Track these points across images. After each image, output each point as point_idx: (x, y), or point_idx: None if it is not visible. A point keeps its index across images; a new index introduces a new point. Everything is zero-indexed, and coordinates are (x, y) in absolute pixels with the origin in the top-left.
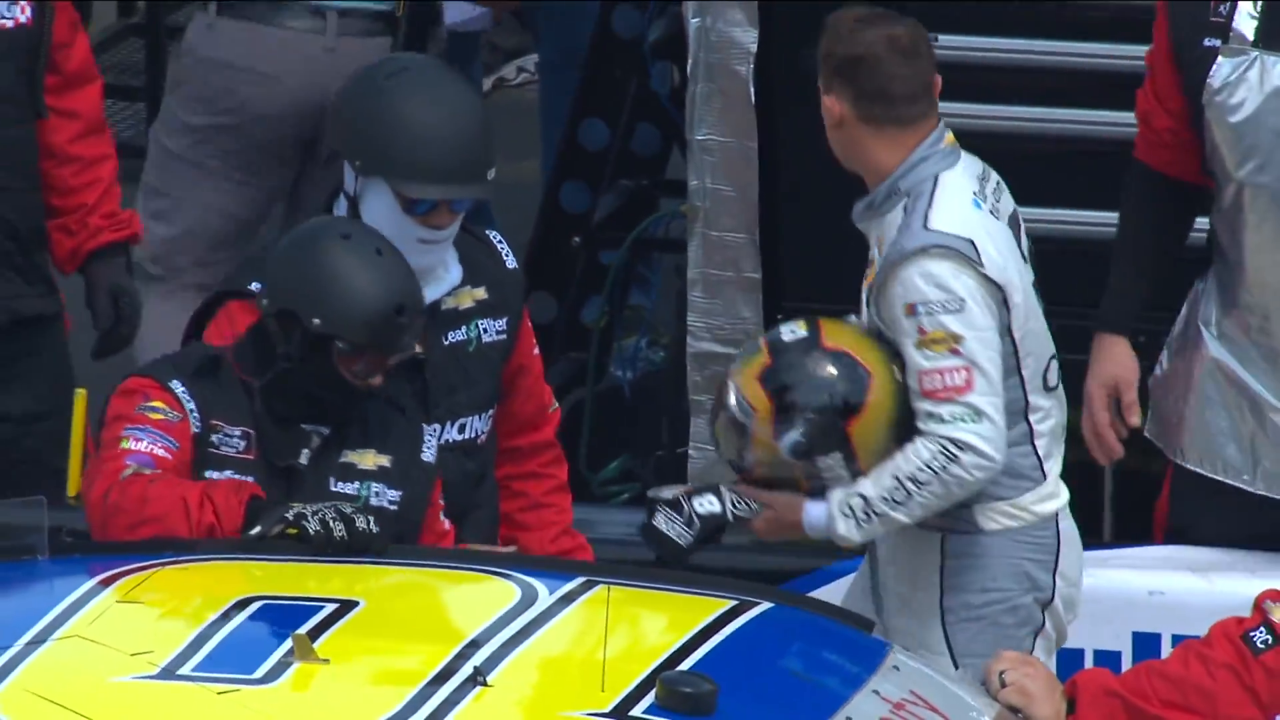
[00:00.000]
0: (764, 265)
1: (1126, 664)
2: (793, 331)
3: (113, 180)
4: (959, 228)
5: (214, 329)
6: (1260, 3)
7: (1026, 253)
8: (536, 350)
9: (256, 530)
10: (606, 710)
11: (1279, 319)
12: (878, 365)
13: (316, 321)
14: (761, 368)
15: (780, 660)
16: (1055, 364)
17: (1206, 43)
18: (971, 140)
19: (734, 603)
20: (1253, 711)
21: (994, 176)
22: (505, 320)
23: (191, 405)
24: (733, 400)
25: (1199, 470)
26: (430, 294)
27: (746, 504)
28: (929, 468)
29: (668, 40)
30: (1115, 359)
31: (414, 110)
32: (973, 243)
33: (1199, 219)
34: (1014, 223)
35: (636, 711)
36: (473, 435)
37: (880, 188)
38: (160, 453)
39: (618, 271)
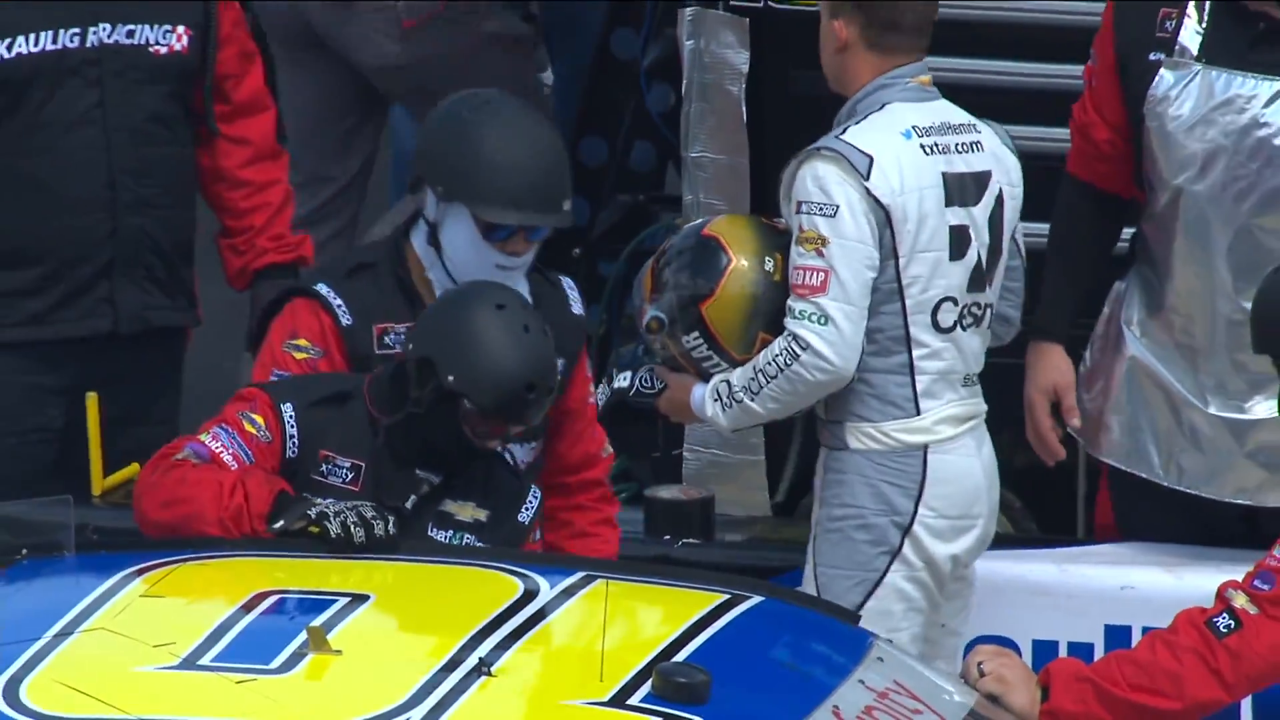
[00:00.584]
0: None
1: (1099, 655)
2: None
3: (282, 204)
4: (865, 144)
5: (278, 324)
6: (1205, 19)
7: (989, 217)
8: (591, 399)
9: (279, 525)
10: (605, 699)
11: (1201, 321)
12: (747, 256)
13: (451, 378)
14: (660, 251)
15: (770, 651)
16: (953, 308)
17: (1152, 56)
18: None
19: (726, 597)
20: (1218, 693)
21: (975, 135)
22: (561, 363)
23: (293, 431)
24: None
25: (1118, 465)
26: None
27: (654, 383)
28: (774, 362)
29: (663, 62)
30: (1052, 365)
31: (496, 141)
32: (870, 159)
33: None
34: (975, 181)
35: (634, 700)
36: (515, 462)
37: (844, 108)
38: (227, 458)
39: (616, 282)
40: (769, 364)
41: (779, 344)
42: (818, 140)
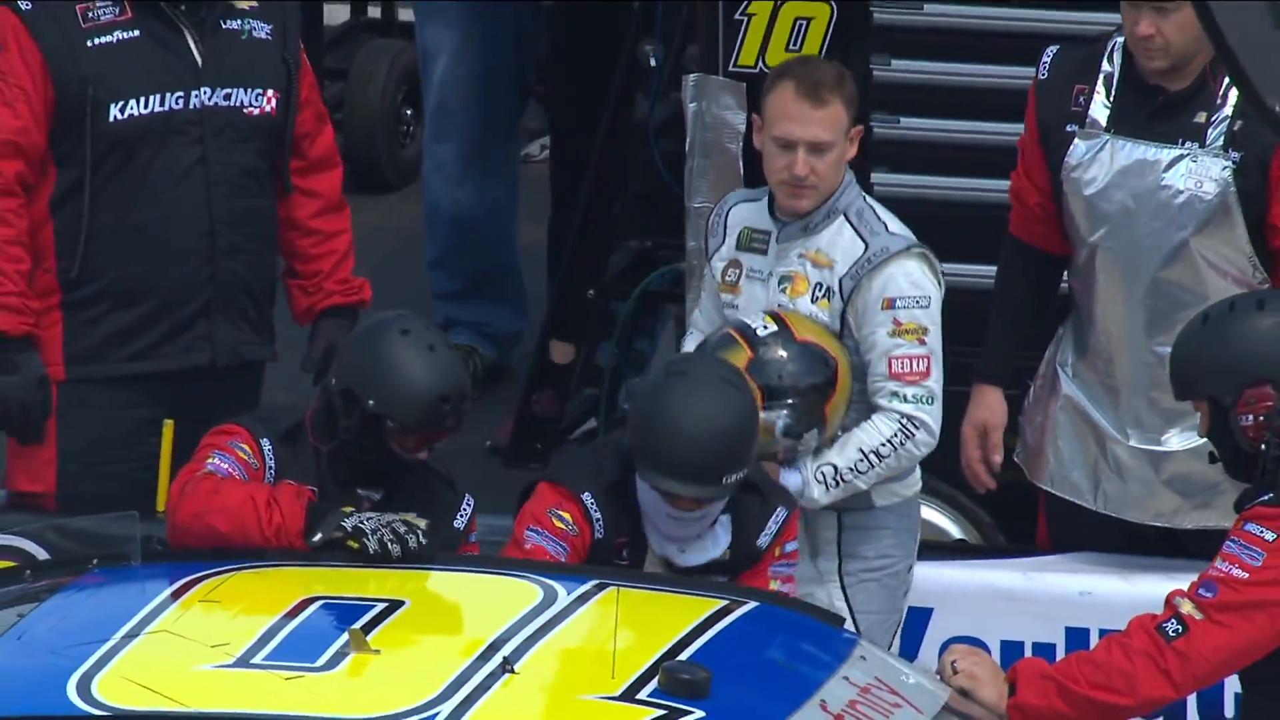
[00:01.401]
0: None
1: (1061, 654)
2: (765, 327)
3: (347, 252)
4: (909, 233)
5: (550, 494)
6: (1112, 95)
7: None
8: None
9: (318, 537)
10: (616, 694)
11: (1120, 362)
12: (839, 352)
13: (371, 403)
14: (746, 361)
15: (764, 651)
16: None
17: (1068, 128)
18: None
19: (725, 602)
20: (1167, 691)
21: None
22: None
23: (271, 462)
24: None
25: (1051, 490)
26: (692, 559)
27: None
28: (890, 442)
29: (669, 122)
30: (987, 405)
31: (672, 416)
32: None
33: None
34: None
35: (642, 696)
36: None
37: (819, 209)
38: (238, 476)
39: (626, 320)
40: (882, 445)
41: (887, 426)
42: (864, 246)
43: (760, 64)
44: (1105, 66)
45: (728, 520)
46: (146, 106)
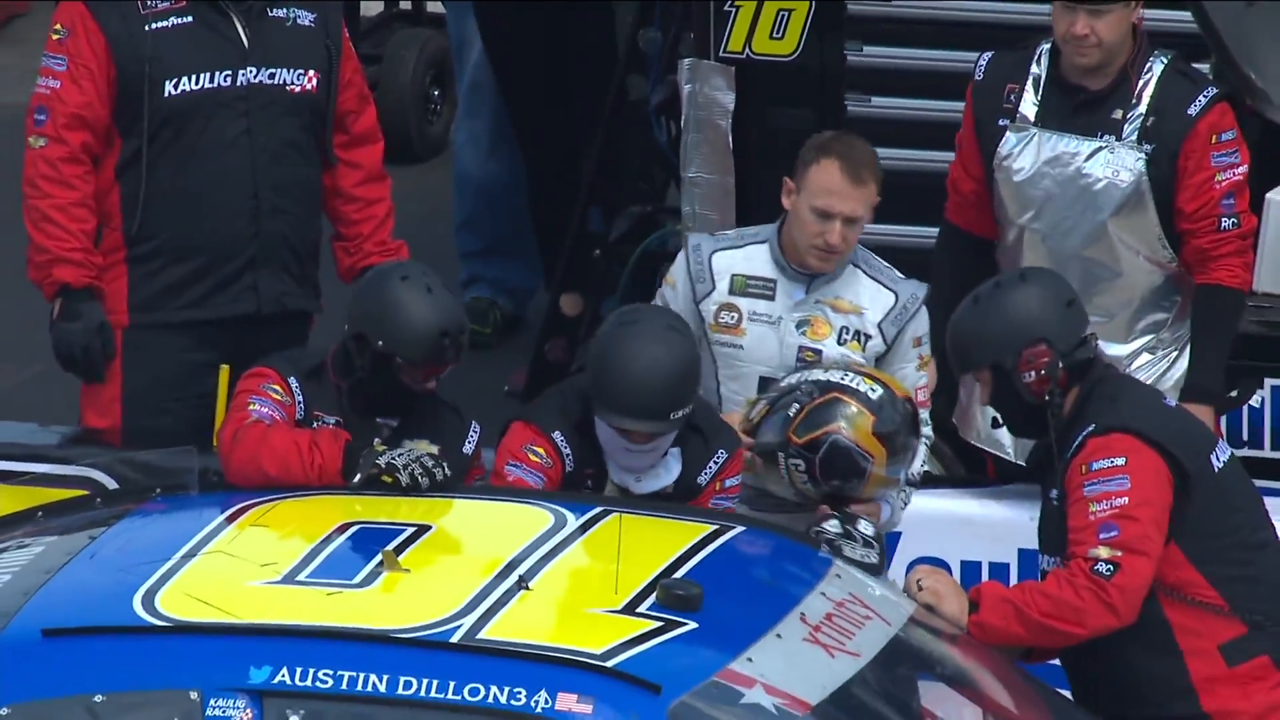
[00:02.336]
0: None
1: (1014, 573)
2: (872, 390)
3: (385, 217)
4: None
5: (521, 433)
6: (1040, 93)
7: None
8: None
9: (358, 478)
10: (619, 608)
11: None
12: (907, 392)
13: (380, 343)
14: (871, 424)
15: (750, 570)
16: None
17: (1000, 122)
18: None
19: (715, 527)
20: (1112, 621)
21: None
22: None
23: (300, 397)
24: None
25: (980, 446)
26: (647, 486)
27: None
28: (924, 464)
29: (667, 102)
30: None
31: (626, 359)
32: None
33: None
34: None
35: (642, 609)
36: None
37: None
38: (279, 417)
39: (628, 276)
40: (922, 466)
41: (923, 452)
42: (894, 293)
43: (747, 50)
44: (1034, 69)
45: (678, 452)
46: (197, 83)
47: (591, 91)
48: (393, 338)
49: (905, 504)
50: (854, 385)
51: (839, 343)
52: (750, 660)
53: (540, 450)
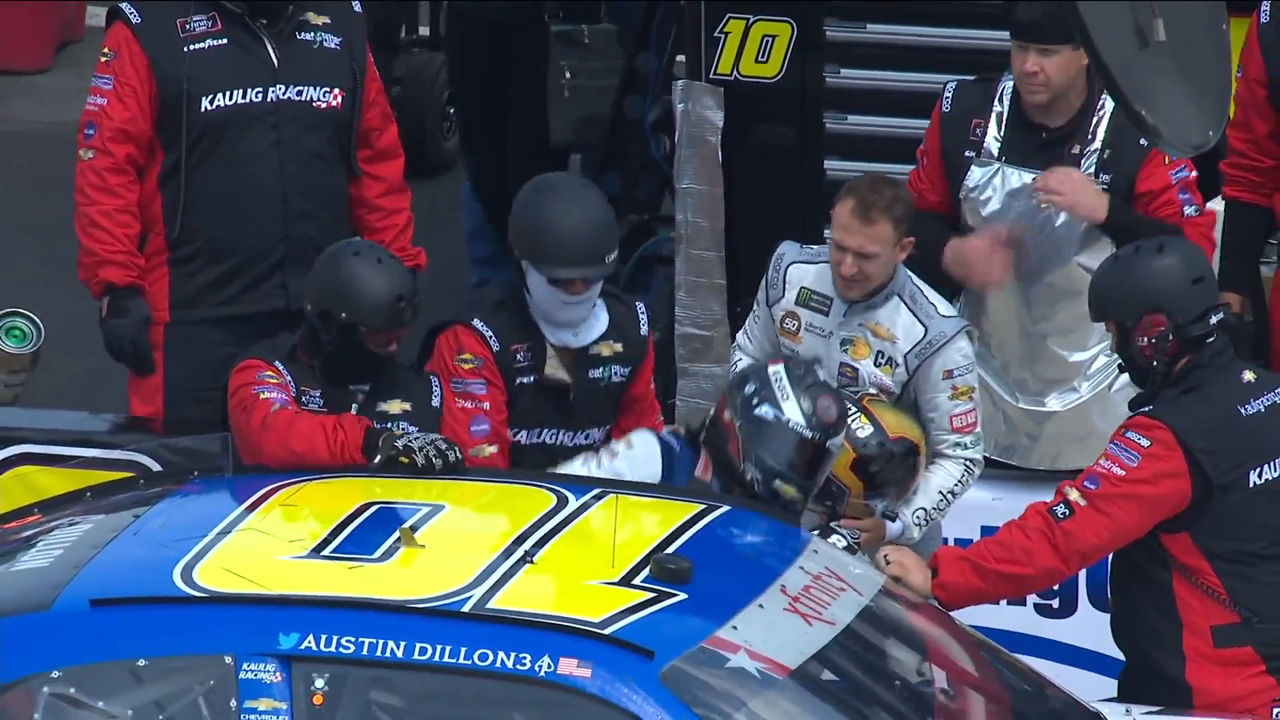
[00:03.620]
0: (727, 274)
1: None
2: (862, 428)
3: (406, 225)
4: (954, 312)
5: (446, 345)
6: (1002, 130)
7: None
8: (651, 384)
9: (378, 459)
10: (616, 580)
11: (1010, 343)
12: (919, 437)
13: (343, 315)
14: (851, 460)
15: (736, 546)
16: None
17: (966, 154)
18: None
19: (703, 506)
20: (1058, 563)
21: None
22: (630, 368)
23: (288, 378)
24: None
25: None
26: (585, 337)
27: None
28: (960, 481)
29: (662, 118)
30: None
31: (556, 217)
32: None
33: None
34: None
35: (636, 581)
36: (592, 441)
37: (881, 293)
38: (285, 401)
39: (627, 278)
40: (956, 485)
41: (957, 469)
42: (923, 326)
43: (735, 72)
44: (996, 106)
45: (604, 304)
46: (230, 99)
47: (522, 115)
48: (353, 308)
49: (926, 522)
50: (849, 421)
51: (875, 364)
52: (735, 628)
53: (468, 355)
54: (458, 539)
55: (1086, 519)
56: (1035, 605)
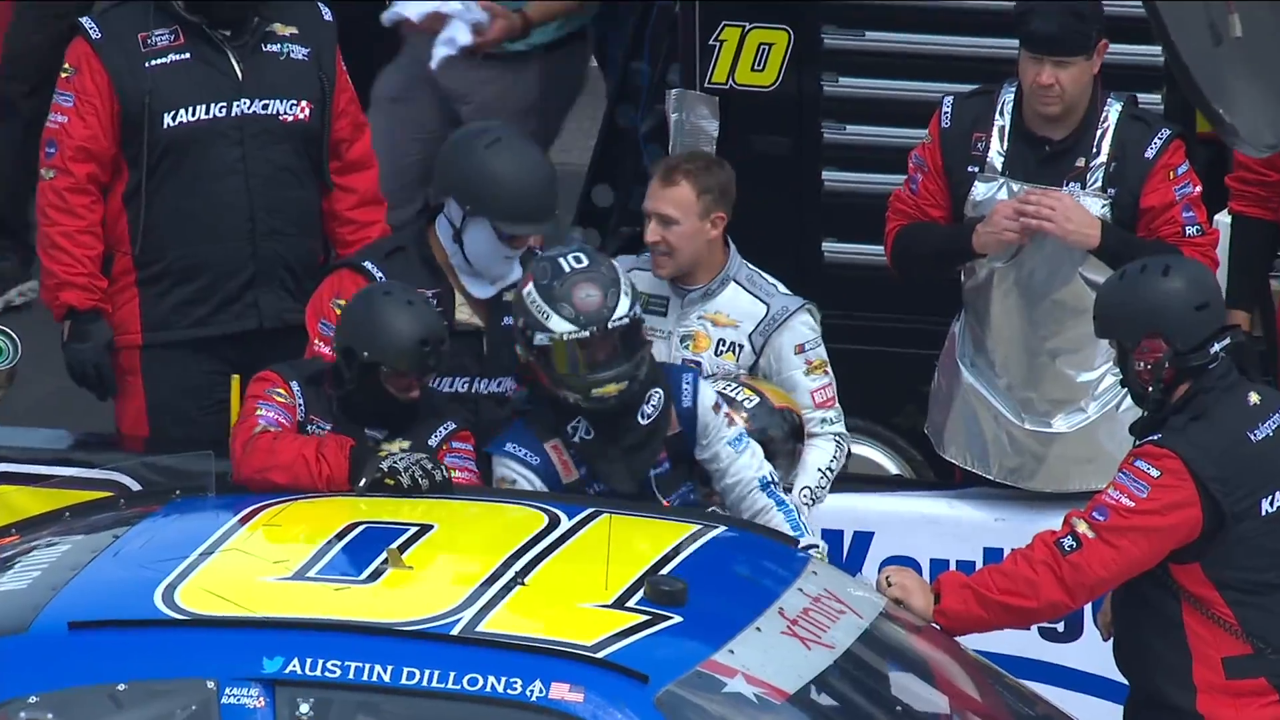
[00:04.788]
0: None
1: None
2: (749, 399)
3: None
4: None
5: (328, 285)
6: (1005, 143)
7: None
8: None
9: (364, 482)
10: (609, 602)
11: (1014, 362)
12: (799, 409)
13: (366, 354)
14: (745, 425)
15: (732, 567)
16: None
17: (969, 169)
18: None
19: (699, 526)
20: (1063, 596)
21: None
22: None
23: (300, 401)
24: None
25: (957, 464)
26: (502, 286)
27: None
28: (835, 458)
29: (656, 129)
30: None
31: (505, 170)
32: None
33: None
34: None
35: (630, 604)
36: (505, 390)
37: (715, 279)
38: (284, 420)
39: None
40: (831, 460)
41: (829, 445)
42: (764, 306)
43: (730, 81)
44: (998, 119)
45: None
46: (193, 115)
47: None
48: (377, 348)
49: (813, 502)
50: (733, 394)
51: (716, 354)
52: (732, 652)
53: (343, 303)
54: (446, 560)
55: (1094, 552)
56: (1040, 629)
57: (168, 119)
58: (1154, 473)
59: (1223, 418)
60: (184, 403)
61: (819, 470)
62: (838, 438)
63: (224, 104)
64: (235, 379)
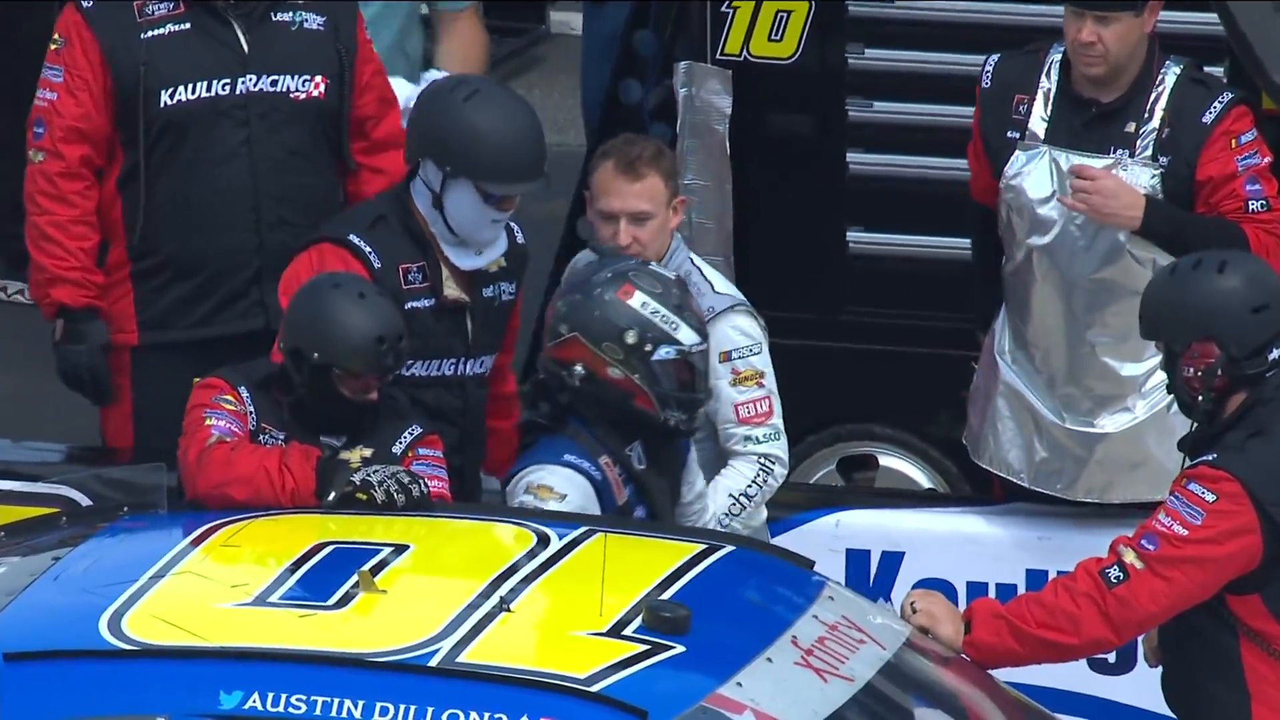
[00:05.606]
0: (736, 282)
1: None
2: None
3: None
4: (734, 291)
5: (305, 260)
6: (1049, 108)
7: None
8: (520, 313)
9: (332, 496)
10: (604, 631)
11: (1056, 353)
12: None
13: (316, 355)
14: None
15: (740, 592)
16: None
17: (1009, 134)
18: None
19: (704, 546)
20: (1107, 633)
21: None
22: (514, 285)
23: (251, 408)
24: None
25: (994, 471)
26: (489, 257)
27: None
28: (754, 483)
29: (662, 105)
30: None
31: (492, 126)
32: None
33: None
34: None
35: (628, 632)
36: (486, 371)
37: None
38: (237, 430)
39: None
40: (749, 486)
41: (750, 468)
42: (699, 299)
43: (745, 52)
44: (1044, 82)
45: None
46: (194, 92)
47: None
48: (327, 348)
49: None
50: None
51: None
52: (740, 685)
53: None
54: (424, 583)
55: (1144, 585)
56: (1088, 659)
57: (165, 97)
58: (1209, 497)
59: None
60: (173, 411)
61: (731, 496)
62: (763, 459)
63: (228, 80)
64: (197, 382)
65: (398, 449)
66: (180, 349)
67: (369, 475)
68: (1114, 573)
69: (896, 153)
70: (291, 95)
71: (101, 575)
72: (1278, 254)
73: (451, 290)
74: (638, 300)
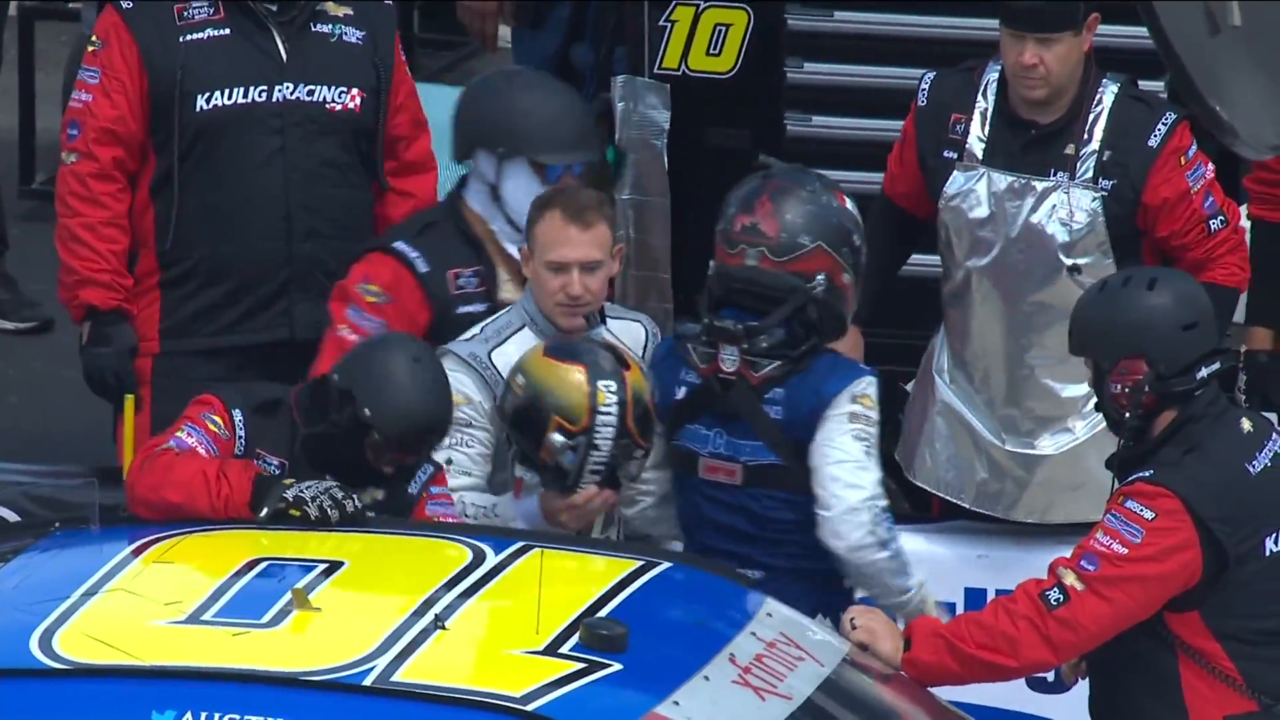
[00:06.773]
0: (674, 298)
1: (960, 611)
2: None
3: None
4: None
5: (357, 270)
6: (987, 128)
7: None
8: None
9: (265, 512)
10: (540, 649)
11: (995, 375)
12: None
13: (367, 411)
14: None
15: (678, 608)
16: None
17: (945, 154)
18: None
19: (641, 563)
20: (1047, 655)
21: None
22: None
23: (242, 433)
24: None
25: (931, 490)
26: None
27: None
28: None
29: (599, 119)
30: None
31: (537, 102)
32: None
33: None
34: None
35: (564, 650)
36: None
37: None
38: (201, 450)
39: None
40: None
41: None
42: (644, 319)
43: (683, 66)
44: (980, 101)
45: None
46: (230, 98)
47: None
48: (380, 412)
49: None
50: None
51: None
52: (677, 703)
53: (374, 288)
54: (358, 601)
55: (1084, 606)
56: (1027, 678)
57: (200, 101)
58: (1148, 514)
59: (1217, 449)
60: None
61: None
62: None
63: (264, 87)
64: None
65: (414, 489)
66: (203, 356)
67: (301, 491)
68: (1054, 595)
69: (836, 168)
70: (328, 106)
71: (32, 592)
72: (1245, 265)
73: (508, 293)
74: (850, 205)
